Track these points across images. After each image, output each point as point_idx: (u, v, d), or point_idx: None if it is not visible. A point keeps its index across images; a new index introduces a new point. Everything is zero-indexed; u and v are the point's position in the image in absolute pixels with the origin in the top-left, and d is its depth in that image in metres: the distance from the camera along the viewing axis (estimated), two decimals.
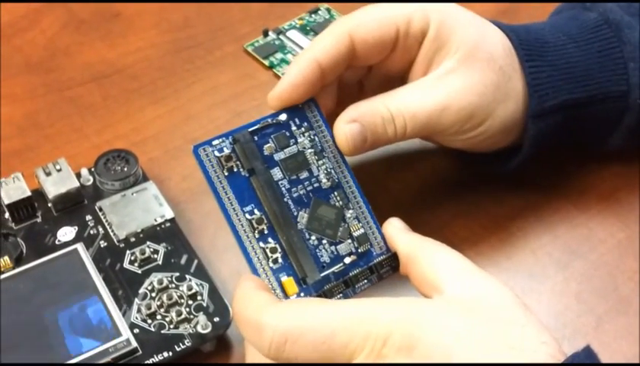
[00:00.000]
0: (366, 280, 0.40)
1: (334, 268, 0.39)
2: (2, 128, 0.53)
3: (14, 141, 0.53)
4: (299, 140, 0.41)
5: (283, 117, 0.41)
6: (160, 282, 0.43)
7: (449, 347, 0.33)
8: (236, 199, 0.39)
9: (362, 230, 0.40)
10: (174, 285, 0.43)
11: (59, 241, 0.45)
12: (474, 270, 0.36)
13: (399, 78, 0.45)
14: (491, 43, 0.43)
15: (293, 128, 0.41)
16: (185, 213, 0.48)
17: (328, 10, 0.61)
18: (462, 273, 0.36)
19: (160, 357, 0.40)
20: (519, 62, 0.44)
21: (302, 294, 0.39)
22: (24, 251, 0.45)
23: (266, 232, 0.39)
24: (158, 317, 0.42)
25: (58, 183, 0.46)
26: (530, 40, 0.44)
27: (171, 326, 0.41)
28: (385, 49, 0.43)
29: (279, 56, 0.58)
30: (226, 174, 0.39)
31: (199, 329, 0.41)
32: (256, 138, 0.40)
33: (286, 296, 0.38)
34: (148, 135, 0.53)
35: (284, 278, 0.39)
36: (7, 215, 0.46)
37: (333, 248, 0.40)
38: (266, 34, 0.59)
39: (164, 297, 0.42)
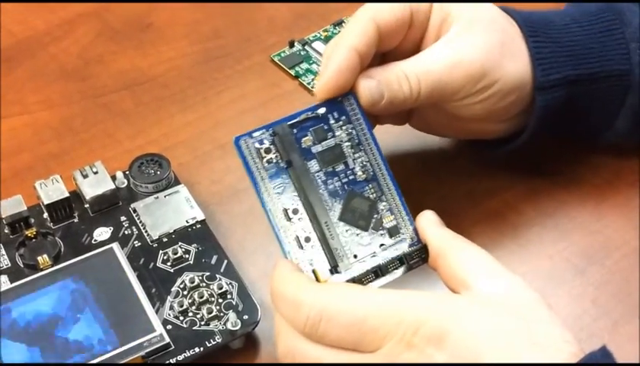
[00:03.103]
0: (396, 270, 0.41)
1: (365, 258, 0.41)
2: (40, 132, 0.56)
3: (51, 145, 0.55)
4: (337, 134, 0.42)
5: (322, 110, 0.42)
6: (191, 281, 0.45)
7: (478, 342, 0.34)
8: (274, 190, 0.41)
9: (394, 222, 0.42)
10: (204, 284, 0.45)
11: (95, 240, 0.47)
12: (502, 270, 0.38)
13: None
14: (490, 10, 0.46)
15: (332, 121, 0.43)
16: (215, 215, 0.50)
17: None
18: (490, 271, 0.38)
19: (191, 352, 0.42)
20: (522, 38, 0.46)
21: None
22: (62, 249, 0.47)
23: (300, 222, 0.41)
24: (190, 314, 0.44)
25: (94, 185, 0.48)
26: (534, 19, 0.47)
27: (202, 323, 0.43)
28: (404, 29, 0.46)
29: (304, 66, 0.60)
30: (265, 165, 0.41)
31: (229, 326, 0.43)
32: (295, 131, 0.42)
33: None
34: (179, 140, 0.55)
35: (316, 267, 0.40)
36: (45, 215, 0.48)
37: (364, 238, 0.41)
38: (292, 45, 0.61)
39: (196, 295, 0.44)
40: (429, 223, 0.41)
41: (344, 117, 0.43)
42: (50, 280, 0.44)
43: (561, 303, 0.45)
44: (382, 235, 0.42)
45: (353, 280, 0.40)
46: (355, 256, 0.41)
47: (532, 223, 0.49)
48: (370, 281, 0.41)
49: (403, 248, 0.42)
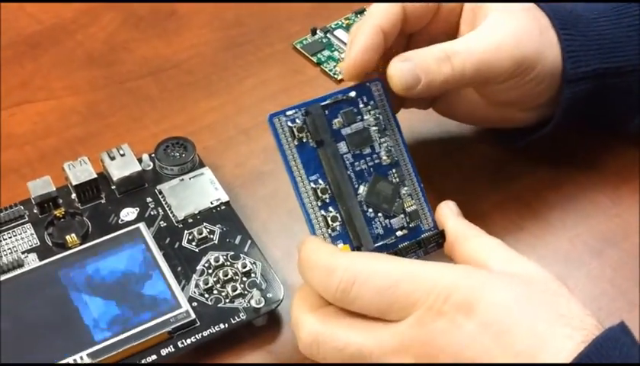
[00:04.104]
0: (414, 254, 0.42)
1: (387, 240, 0.42)
2: (66, 117, 0.57)
3: (78, 129, 0.56)
4: (365, 117, 0.43)
5: (353, 93, 0.43)
6: (216, 260, 0.46)
7: (507, 311, 0.35)
8: (303, 168, 0.41)
9: (414, 207, 0.43)
10: (229, 263, 0.46)
11: (121, 220, 0.48)
12: (518, 256, 0.39)
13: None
14: (523, 4, 0.46)
15: (361, 105, 0.43)
16: (239, 198, 0.51)
17: None
18: (507, 256, 0.39)
19: (216, 328, 0.43)
20: (553, 30, 0.46)
21: None
22: (90, 229, 0.48)
23: (328, 201, 0.42)
24: (215, 292, 0.45)
25: (121, 167, 0.49)
26: (563, 12, 0.47)
27: (227, 300, 0.44)
28: (431, 10, 0.46)
29: (326, 53, 0.61)
30: (296, 143, 0.42)
31: (253, 303, 0.44)
32: (326, 112, 0.42)
33: None
34: (203, 125, 0.56)
35: (341, 245, 0.41)
36: (73, 195, 0.49)
37: (387, 221, 0.42)
38: (314, 33, 0.62)
39: (220, 274, 0.45)
40: (450, 212, 0.42)
41: (372, 102, 0.43)
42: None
43: (580, 284, 0.46)
44: (402, 218, 0.43)
45: None
46: (377, 237, 0.42)
47: (552, 206, 0.50)
48: None
49: (421, 232, 0.43)
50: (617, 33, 0.47)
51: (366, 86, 0.43)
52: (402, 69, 0.43)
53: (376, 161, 0.43)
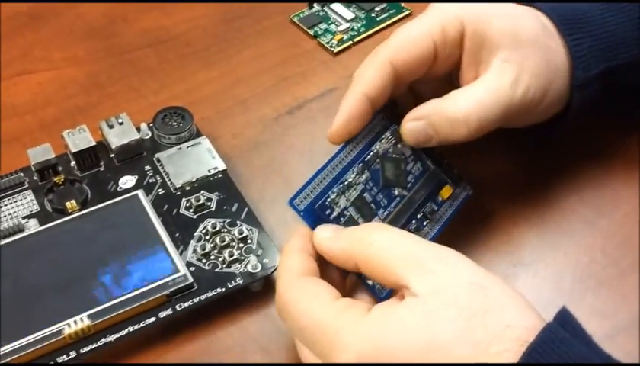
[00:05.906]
0: None
1: None
2: (66, 87, 0.57)
3: (78, 99, 0.57)
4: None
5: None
6: (213, 226, 0.47)
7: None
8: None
9: None
10: (226, 229, 0.47)
11: (120, 188, 0.49)
12: (430, 259, 0.37)
13: (447, 79, 0.47)
14: (531, 25, 0.45)
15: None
16: (236, 167, 0.52)
17: None
18: (419, 266, 0.36)
19: (214, 292, 0.44)
20: (559, 36, 0.46)
21: None
22: (89, 196, 0.48)
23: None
24: (212, 257, 0.45)
25: (120, 135, 0.50)
26: (568, 13, 0.46)
27: (224, 266, 0.45)
28: (426, 64, 0.45)
29: (323, 26, 0.61)
30: None
31: (249, 268, 0.45)
32: None
33: None
34: (201, 96, 0.57)
35: None
36: (73, 163, 0.50)
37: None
38: (311, 6, 0.63)
39: (217, 240, 0.46)
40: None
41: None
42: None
43: (571, 251, 0.47)
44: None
45: None
46: None
47: (545, 178, 0.50)
48: None
49: None
50: (625, 28, 0.46)
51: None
52: (414, 129, 0.43)
53: None
